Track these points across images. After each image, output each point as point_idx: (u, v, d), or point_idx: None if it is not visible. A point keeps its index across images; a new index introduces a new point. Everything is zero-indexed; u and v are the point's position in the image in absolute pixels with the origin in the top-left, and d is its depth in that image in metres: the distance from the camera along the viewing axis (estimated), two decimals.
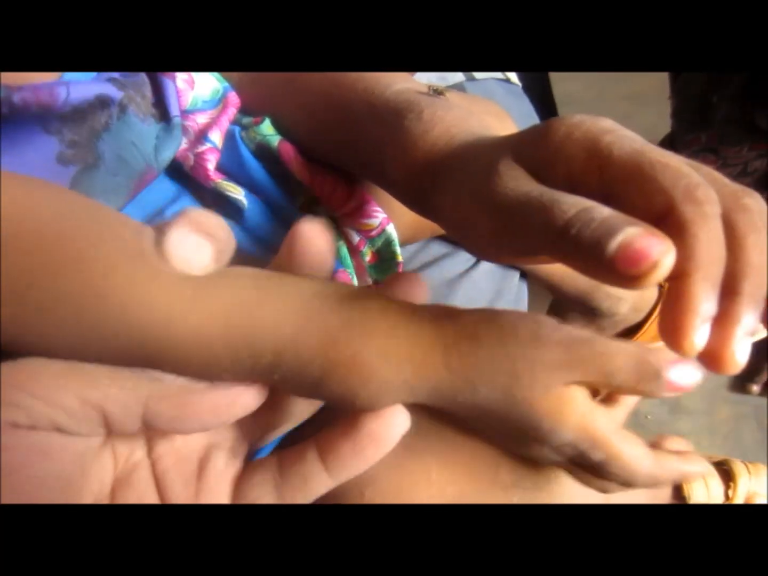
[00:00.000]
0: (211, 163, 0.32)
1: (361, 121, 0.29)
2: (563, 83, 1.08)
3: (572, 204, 0.17)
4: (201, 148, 0.32)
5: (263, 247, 0.33)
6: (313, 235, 0.22)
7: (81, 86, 0.27)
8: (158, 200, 0.32)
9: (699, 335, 0.16)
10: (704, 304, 0.16)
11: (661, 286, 0.54)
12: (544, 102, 0.87)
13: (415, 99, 0.27)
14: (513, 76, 0.49)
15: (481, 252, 0.23)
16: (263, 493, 0.21)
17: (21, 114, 0.25)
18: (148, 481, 0.21)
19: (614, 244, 0.16)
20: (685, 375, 0.20)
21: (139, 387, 0.19)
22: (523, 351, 0.20)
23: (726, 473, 0.52)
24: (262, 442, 0.24)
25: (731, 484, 0.51)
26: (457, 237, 0.24)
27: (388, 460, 0.27)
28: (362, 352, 0.20)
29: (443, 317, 0.21)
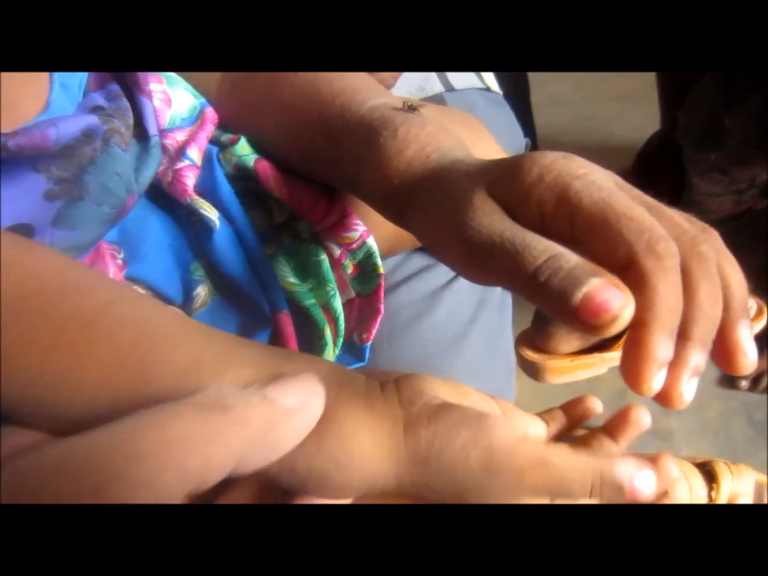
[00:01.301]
0: (189, 180, 0.32)
1: (338, 137, 0.29)
2: (551, 84, 1.09)
3: (542, 250, 0.18)
4: (180, 165, 0.33)
5: (223, 276, 0.33)
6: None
7: (68, 123, 0.28)
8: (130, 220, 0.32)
9: (656, 380, 0.17)
10: (661, 352, 0.17)
11: None
12: (521, 107, 0.88)
13: (390, 116, 0.27)
14: (493, 84, 0.50)
15: (459, 273, 0.24)
16: None
17: (15, 157, 0.25)
18: None
19: (579, 295, 0.17)
20: (647, 483, 0.20)
21: (231, 444, 0.17)
22: (480, 481, 0.21)
23: (709, 474, 0.53)
24: None
25: (714, 485, 0.52)
26: (432, 255, 0.25)
27: None
28: (325, 446, 0.20)
29: (401, 405, 0.22)
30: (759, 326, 0.63)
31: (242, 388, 0.20)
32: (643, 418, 0.25)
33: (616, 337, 0.57)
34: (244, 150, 0.35)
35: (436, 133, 0.26)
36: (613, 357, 0.58)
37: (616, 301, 0.16)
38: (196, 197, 0.32)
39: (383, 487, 0.21)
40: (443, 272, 0.43)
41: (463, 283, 0.43)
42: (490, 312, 0.44)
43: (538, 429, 0.26)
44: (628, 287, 0.17)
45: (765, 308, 0.63)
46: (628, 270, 0.18)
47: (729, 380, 0.98)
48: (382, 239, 0.36)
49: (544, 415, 0.26)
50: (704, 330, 0.18)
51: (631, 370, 0.17)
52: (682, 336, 0.18)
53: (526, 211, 0.20)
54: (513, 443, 0.20)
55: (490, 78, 0.50)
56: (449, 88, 0.45)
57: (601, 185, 0.19)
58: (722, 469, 0.53)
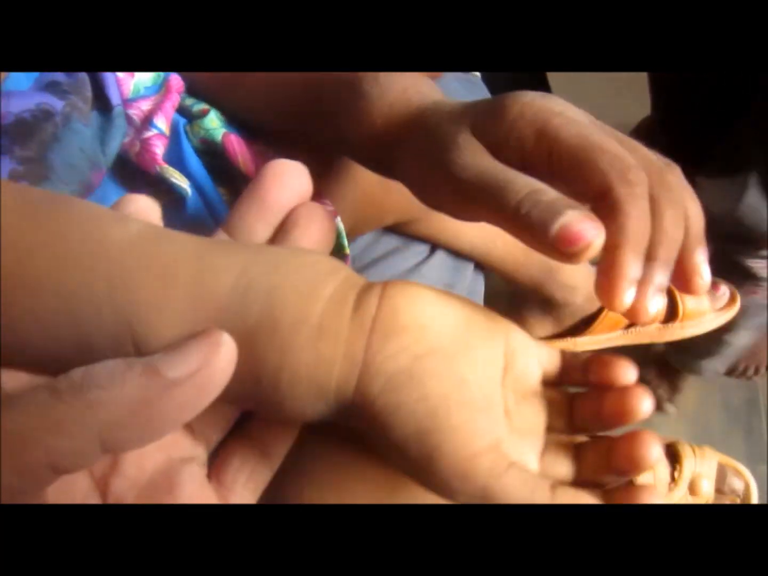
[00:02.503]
0: (159, 149, 0.32)
1: (318, 87, 0.30)
2: None
3: (523, 185, 0.20)
4: (147, 134, 0.32)
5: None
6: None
7: (19, 97, 0.27)
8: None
9: (628, 295, 0.19)
10: (632, 270, 0.19)
11: None
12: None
13: None
14: None
15: (444, 212, 0.25)
16: (252, 469, 0.21)
17: None
18: None
19: (557, 225, 0.18)
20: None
21: (84, 425, 0.16)
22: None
23: (672, 455, 0.54)
24: (216, 441, 0.22)
25: (677, 465, 0.53)
26: (417, 196, 0.26)
27: (327, 458, 0.28)
28: (287, 361, 0.19)
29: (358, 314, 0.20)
30: (731, 313, 0.64)
31: (163, 346, 0.18)
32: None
33: (588, 322, 0.58)
34: (212, 123, 0.34)
35: (416, 78, 0.27)
36: (586, 341, 0.59)
37: (590, 231, 0.18)
38: (165, 166, 0.32)
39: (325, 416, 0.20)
40: (412, 254, 0.43)
41: (431, 266, 0.43)
42: (460, 295, 0.44)
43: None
44: (603, 213, 0.19)
45: (737, 295, 0.64)
46: (603, 198, 0.20)
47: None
48: (344, 219, 0.36)
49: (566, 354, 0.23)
50: (668, 251, 0.20)
51: (606, 288, 0.19)
52: (649, 257, 0.20)
53: (508, 149, 0.22)
54: (463, 459, 0.18)
55: None
56: None
57: (577, 120, 0.21)
58: (685, 450, 0.54)
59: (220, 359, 0.17)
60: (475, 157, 0.22)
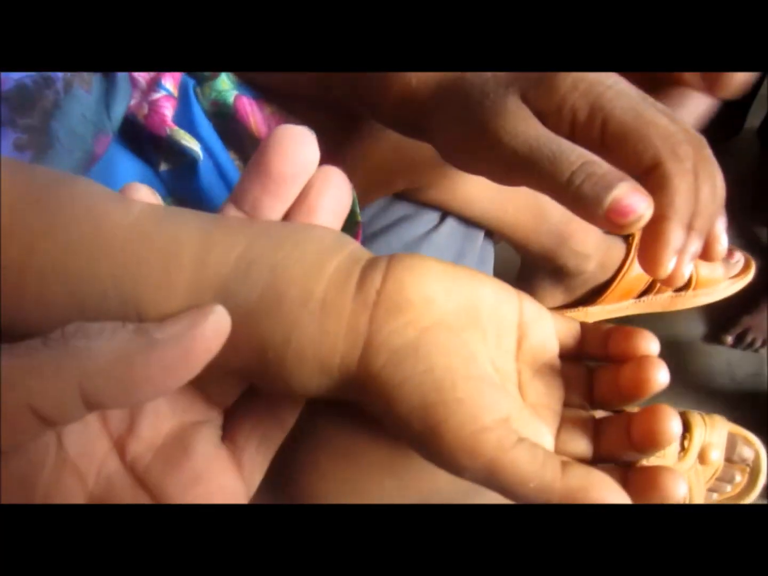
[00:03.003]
0: (168, 110, 0.32)
1: None
2: None
3: (578, 156, 0.21)
4: (155, 96, 0.32)
5: (209, 208, 0.33)
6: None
7: None
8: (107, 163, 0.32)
9: (671, 264, 0.20)
10: (677, 241, 0.20)
11: (628, 244, 0.55)
12: None
13: None
14: None
15: (483, 176, 0.25)
16: (264, 431, 0.21)
17: None
18: (123, 478, 0.19)
19: (609, 198, 0.19)
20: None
21: (63, 369, 0.16)
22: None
23: (682, 424, 0.54)
24: (230, 404, 0.22)
25: (687, 434, 0.53)
26: (449, 159, 0.26)
27: (339, 422, 0.28)
28: (292, 337, 0.18)
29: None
30: (746, 280, 0.63)
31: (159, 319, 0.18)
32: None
33: (600, 292, 0.57)
34: (223, 85, 0.34)
35: None
36: (597, 311, 0.59)
37: (641, 204, 0.19)
38: (176, 128, 0.32)
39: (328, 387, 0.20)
40: (422, 222, 0.42)
41: (442, 234, 0.43)
42: (470, 264, 0.44)
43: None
44: (651, 185, 0.20)
45: (752, 263, 0.64)
46: (653, 171, 0.21)
47: (714, 335, 0.98)
48: (356, 185, 0.36)
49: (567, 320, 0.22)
50: (705, 222, 0.21)
51: (651, 257, 0.20)
52: (687, 227, 0.21)
53: (559, 119, 0.22)
54: (469, 434, 0.18)
55: None
56: None
57: (629, 94, 0.22)
58: (696, 420, 0.54)
59: (206, 325, 0.17)
60: (526, 124, 0.22)
